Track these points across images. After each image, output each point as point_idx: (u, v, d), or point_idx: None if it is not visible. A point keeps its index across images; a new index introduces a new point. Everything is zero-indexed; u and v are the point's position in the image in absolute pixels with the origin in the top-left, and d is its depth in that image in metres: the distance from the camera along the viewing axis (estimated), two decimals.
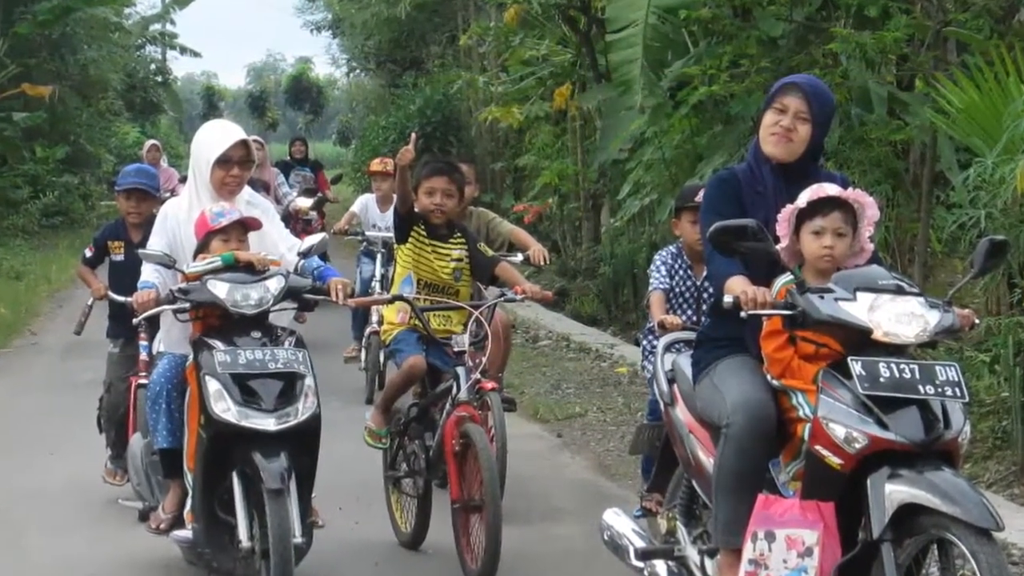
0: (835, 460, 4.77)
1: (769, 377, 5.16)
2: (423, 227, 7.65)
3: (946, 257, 11.73)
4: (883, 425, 4.71)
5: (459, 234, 7.76)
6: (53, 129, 30.04)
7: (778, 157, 5.43)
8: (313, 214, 16.21)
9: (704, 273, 7.09)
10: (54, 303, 18.75)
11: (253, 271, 6.29)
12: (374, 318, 11.30)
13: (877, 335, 4.84)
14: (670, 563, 5.78)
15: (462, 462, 7.00)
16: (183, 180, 13.15)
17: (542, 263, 8.73)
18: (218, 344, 6.13)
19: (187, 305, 6.26)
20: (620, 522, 6.07)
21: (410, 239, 7.64)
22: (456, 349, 7.30)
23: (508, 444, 7.91)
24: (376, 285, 12.02)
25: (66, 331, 11.10)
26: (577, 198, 19.34)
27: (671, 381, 5.79)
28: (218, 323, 6.29)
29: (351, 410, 9.99)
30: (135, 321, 6.65)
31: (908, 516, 4.61)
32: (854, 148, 10.85)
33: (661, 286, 7.30)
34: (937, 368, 4.81)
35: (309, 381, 6.16)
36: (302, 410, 6.08)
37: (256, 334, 6.22)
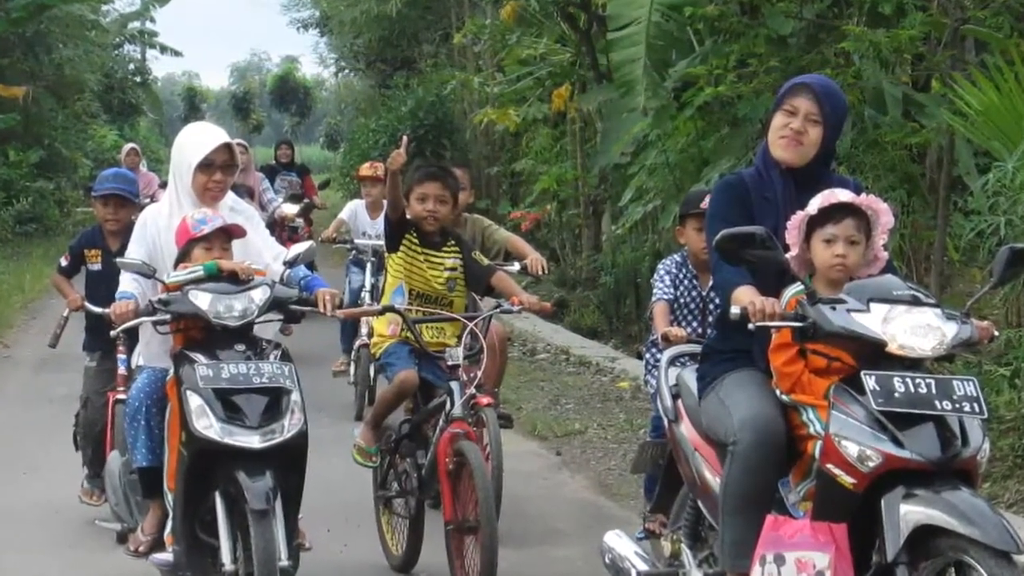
0: (848, 479, 4.77)
1: (778, 392, 5.17)
2: (415, 235, 7.65)
3: (964, 266, 11.76)
4: (898, 442, 4.71)
5: (453, 242, 7.76)
6: (27, 132, 30.04)
7: (788, 161, 5.44)
8: (300, 221, 16.24)
9: (710, 283, 7.11)
10: (28, 314, 18.73)
11: (237, 281, 6.28)
12: (364, 330, 11.30)
13: (892, 348, 4.84)
14: None
15: (456, 481, 7.00)
16: (163, 185, 13.18)
17: (540, 273, 8.73)
18: (200, 358, 6.12)
19: (167, 317, 6.25)
20: (622, 544, 6.07)
21: (401, 247, 7.64)
22: (450, 363, 7.29)
23: (504, 462, 7.91)
24: (366, 295, 12.03)
25: (40, 344, 11.08)
26: (577, 204, 19.35)
27: (675, 396, 5.80)
28: (200, 336, 6.28)
29: (340, 427, 9.99)
30: (113, 333, 6.62)
31: (924, 538, 4.61)
32: (867, 152, 10.87)
33: (665, 296, 7.31)
34: (955, 383, 4.81)
35: (295, 396, 6.14)
36: (288, 427, 6.07)
37: (240, 347, 6.21)
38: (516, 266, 8.71)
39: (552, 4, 17.76)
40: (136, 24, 46.29)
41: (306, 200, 17.12)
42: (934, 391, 4.76)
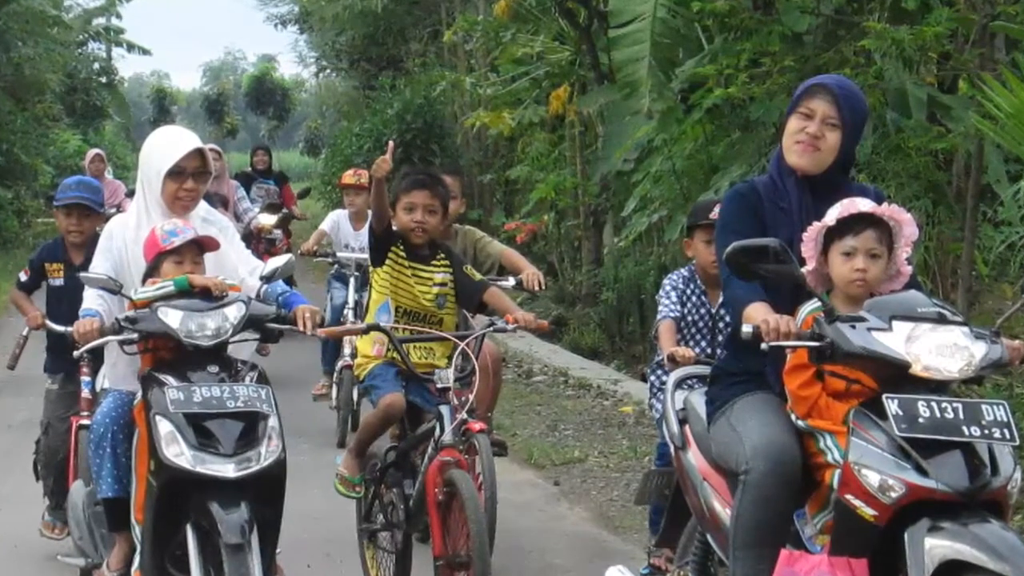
0: (868, 511, 4.78)
1: (793, 417, 5.17)
2: (402, 248, 7.65)
3: (993, 281, 11.75)
4: (922, 471, 4.71)
5: (443, 255, 7.77)
6: None
7: (804, 168, 5.45)
8: (278, 233, 16.25)
9: (720, 299, 7.11)
10: None
11: (210, 297, 6.28)
12: (347, 350, 11.30)
13: (916, 369, 4.84)
14: None
15: (446, 513, 7.00)
16: (130, 194, 13.17)
17: (537, 288, 8.74)
18: (170, 380, 6.12)
19: (135, 336, 6.24)
20: None
21: (387, 261, 7.65)
22: (439, 385, 7.29)
23: (498, 493, 7.91)
24: (349, 313, 12.04)
25: None
26: (576, 215, 19.38)
27: (683, 422, 5.80)
28: (170, 356, 6.28)
29: (321, 454, 10.00)
30: (76, 354, 6.63)
31: (951, 574, 4.61)
32: (890, 158, 10.89)
33: (671, 314, 7.32)
34: (983, 407, 4.81)
35: (273, 422, 6.14)
36: (265, 454, 6.07)
37: (213, 368, 6.21)
38: (511, 281, 8.72)
39: None
40: (101, 20, 46.36)
41: (284, 210, 17.13)
42: (961, 416, 4.76)
